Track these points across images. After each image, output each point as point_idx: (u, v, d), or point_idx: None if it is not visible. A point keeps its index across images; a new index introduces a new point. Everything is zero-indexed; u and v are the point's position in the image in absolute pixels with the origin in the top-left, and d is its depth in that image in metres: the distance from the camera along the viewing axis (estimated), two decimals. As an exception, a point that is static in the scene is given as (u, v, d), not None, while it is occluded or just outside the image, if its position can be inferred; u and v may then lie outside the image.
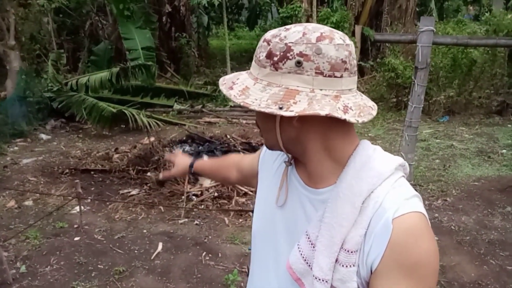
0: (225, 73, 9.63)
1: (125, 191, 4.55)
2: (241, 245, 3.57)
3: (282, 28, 0.80)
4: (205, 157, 1.50)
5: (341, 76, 0.76)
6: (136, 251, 3.48)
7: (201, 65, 11.43)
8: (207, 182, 4.55)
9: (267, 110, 0.74)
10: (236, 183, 1.38)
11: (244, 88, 0.79)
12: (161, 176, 1.59)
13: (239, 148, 5.03)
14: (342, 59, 0.76)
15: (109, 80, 6.76)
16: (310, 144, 0.83)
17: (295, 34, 0.76)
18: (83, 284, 3.04)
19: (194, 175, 1.48)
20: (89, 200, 4.33)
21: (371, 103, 0.82)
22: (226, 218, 4.03)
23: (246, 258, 3.38)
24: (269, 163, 1.03)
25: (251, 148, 5.05)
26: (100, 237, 3.69)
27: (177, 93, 8.27)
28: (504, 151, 5.82)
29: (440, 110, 7.61)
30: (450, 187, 4.71)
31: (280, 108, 0.73)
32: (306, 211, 0.88)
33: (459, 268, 3.24)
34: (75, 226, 3.86)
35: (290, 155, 0.92)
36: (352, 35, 8.91)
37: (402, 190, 0.79)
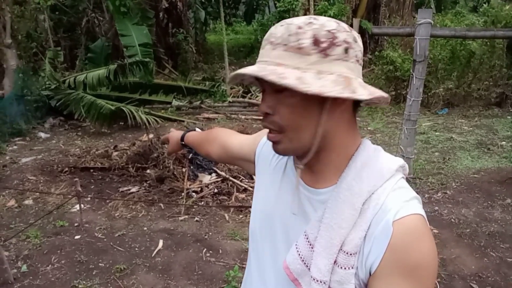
0: (224, 69, 9.61)
1: (125, 188, 4.54)
2: (242, 241, 3.57)
3: (306, 18, 0.76)
4: (198, 129, 1.48)
5: (361, 65, 0.79)
6: (136, 249, 3.48)
7: (199, 60, 11.40)
8: (206, 179, 4.55)
9: (345, 95, 0.70)
10: (217, 160, 1.32)
11: (298, 77, 0.72)
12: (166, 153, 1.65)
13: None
14: (361, 48, 0.79)
15: (107, 77, 6.76)
16: (332, 142, 0.81)
17: (330, 23, 0.76)
18: (84, 282, 3.04)
19: (185, 147, 1.47)
20: (89, 198, 4.33)
21: None
22: (226, 214, 4.04)
23: (247, 254, 3.38)
24: (267, 159, 1.01)
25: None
26: (101, 235, 3.70)
27: (175, 90, 8.26)
28: (503, 143, 5.82)
29: (439, 102, 7.61)
30: (450, 179, 4.72)
31: (354, 93, 0.72)
32: (304, 210, 0.86)
33: (459, 261, 3.25)
34: (76, 224, 3.86)
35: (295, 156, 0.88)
36: (350, 28, 8.88)
37: (402, 192, 0.78)
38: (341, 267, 0.77)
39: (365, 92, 0.74)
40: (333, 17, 8.08)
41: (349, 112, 0.81)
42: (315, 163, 0.84)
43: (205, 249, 3.47)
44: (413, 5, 10.36)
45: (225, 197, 4.32)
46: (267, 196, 0.96)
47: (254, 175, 1.07)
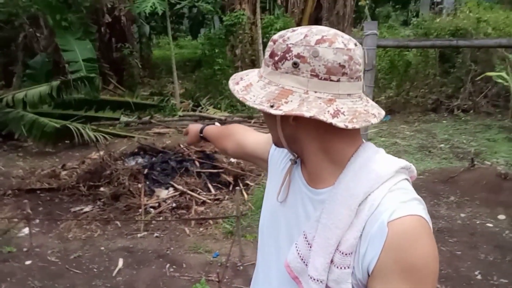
0: (172, 83, 9.49)
1: (77, 208, 4.34)
2: (205, 254, 3.53)
3: (290, 29, 0.82)
4: (217, 123, 1.53)
5: (338, 80, 0.76)
6: (95, 270, 3.33)
7: (145, 75, 11.19)
8: (163, 193, 4.46)
9: (258, 107, 0.77)
10: (232, 155, 1.41)
11: (248, 84, 0.82)
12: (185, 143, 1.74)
13: (194, 157, 4.98)
14: (339, 63, 0.76)
15: (49, 94, 6.44)
16: (307, 144, 0.84)
17: (297, 36, 0.78)
18: (40, 309, 2.86)
19: (204, 140, 1.53)
20: (37, 221, 4.08)
21: (376, 111, 0.80)
22: (186, 228, 3.97)
23: (212, 266, 3.35)
24: (278, 161, 1.04)
25: (206, 157, 5.02)
26: (54, 258, 3.49)
27: (122, 105, 8.02)
28: (442, 145, 6.25)
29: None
30: (398, 181, 4.96)
31: (271, 106, 0.76)
32: (306, 210, 0.89)
33: (414, 257, 3.42)
34: (25, 249, 3.62)
35: (294, 153, 0.92)
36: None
37: (400, 193, 0.79)
38: (338, 267, 0.79)
39: (287, 108, 0.75)
40: (279, 30, 8.33)
41: (319, 123, 0.76)
42: (307, 164, 0.88)
43: (168, 264, 3.39)
44: (353, 19, 10.91)
45: (184, 211, 4.25)
46: (275, 195, 0.98)
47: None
